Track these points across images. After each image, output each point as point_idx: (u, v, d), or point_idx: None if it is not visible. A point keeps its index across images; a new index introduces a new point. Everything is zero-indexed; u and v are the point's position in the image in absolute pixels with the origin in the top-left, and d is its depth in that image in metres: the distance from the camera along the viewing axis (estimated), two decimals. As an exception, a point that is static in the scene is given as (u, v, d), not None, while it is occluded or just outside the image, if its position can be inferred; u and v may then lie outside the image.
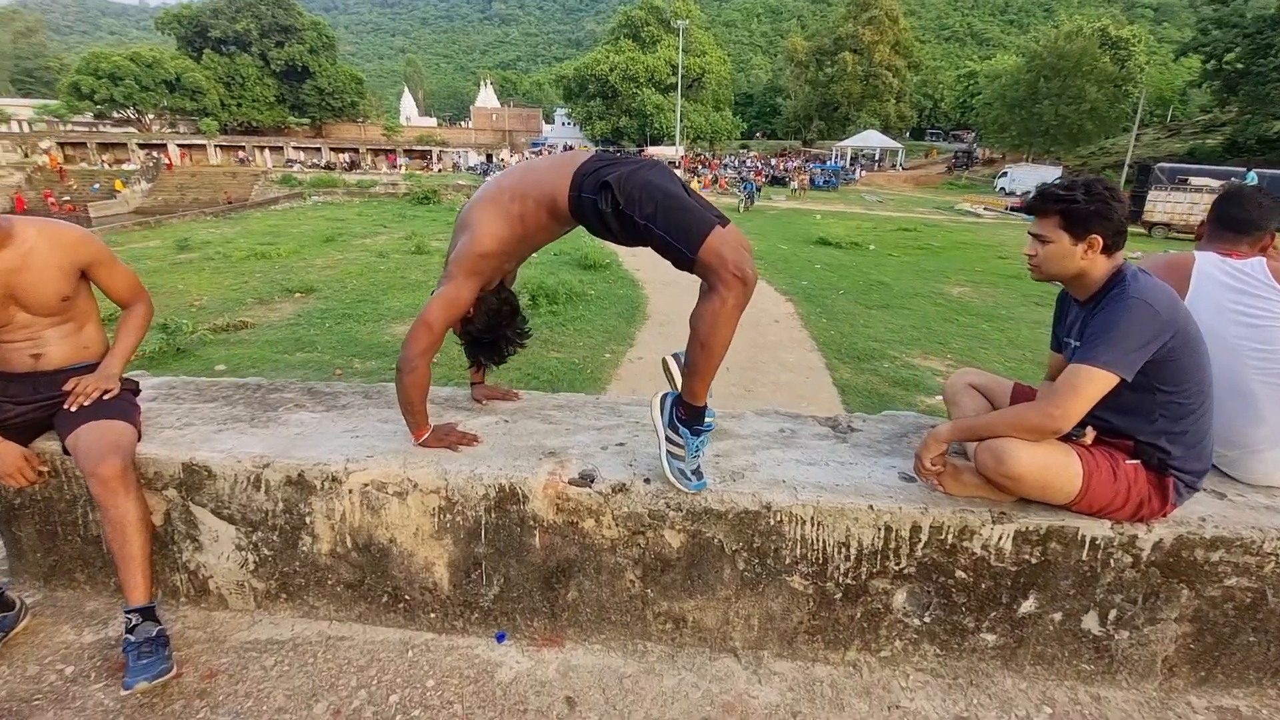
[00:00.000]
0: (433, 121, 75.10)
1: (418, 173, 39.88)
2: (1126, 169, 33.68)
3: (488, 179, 1.75)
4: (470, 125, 69.31)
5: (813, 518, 1.53)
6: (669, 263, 1.53)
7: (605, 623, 1.65)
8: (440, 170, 43.40)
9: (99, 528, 1.73)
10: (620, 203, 1.50)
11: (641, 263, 11.16)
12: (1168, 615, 1.55)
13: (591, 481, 1.59)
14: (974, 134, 53.22)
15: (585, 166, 1.58)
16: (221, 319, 7.97)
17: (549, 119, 72.85)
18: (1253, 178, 20.42)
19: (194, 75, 46.93)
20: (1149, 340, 1.34)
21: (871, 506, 1.52)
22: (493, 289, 1.76)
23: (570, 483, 1.59)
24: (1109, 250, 1.46)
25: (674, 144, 47.32)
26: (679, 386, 1.86)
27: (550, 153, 50.04)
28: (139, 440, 1.69)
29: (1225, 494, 1.63)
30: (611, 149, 54.29)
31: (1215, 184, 20.75)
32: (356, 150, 47.64)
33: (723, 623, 1.63)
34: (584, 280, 10.36)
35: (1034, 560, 1.53)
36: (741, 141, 64.34)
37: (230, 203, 27.65)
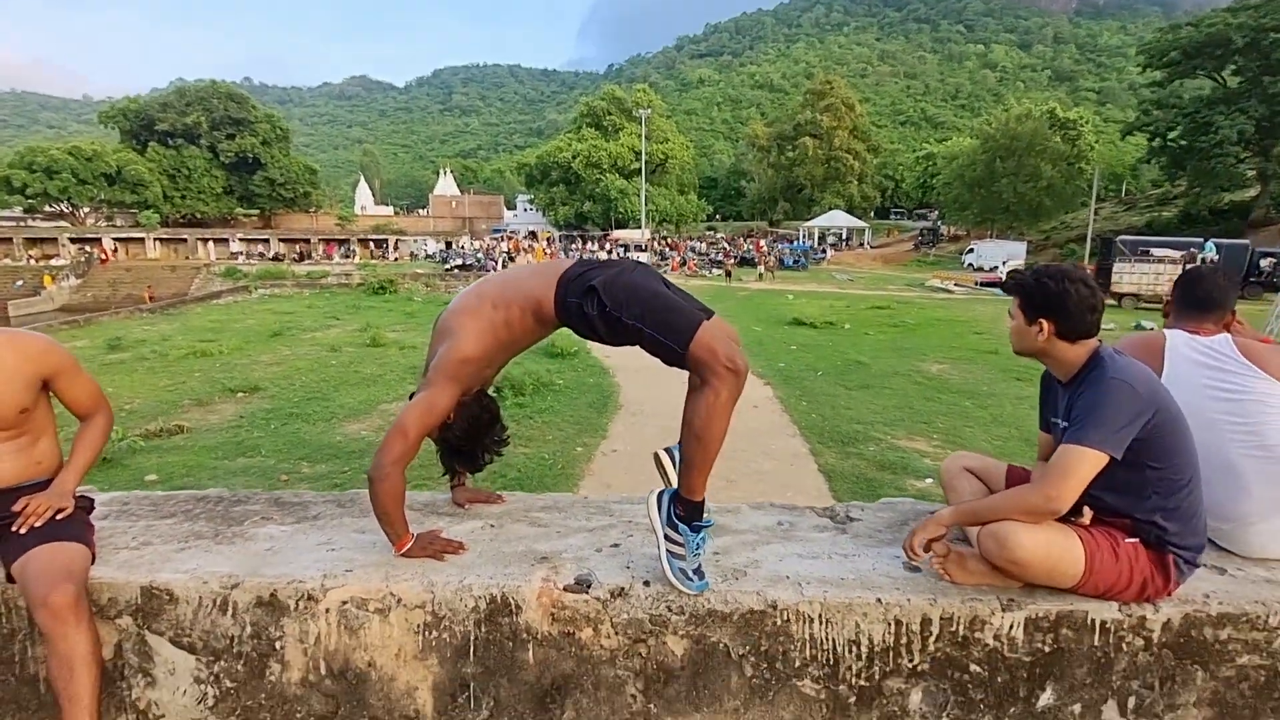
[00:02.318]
0: (389, 210, 77.22)
1: (372, 262, 40.53)
2: (1089, 242, 36.26)
3: (464, 289, 1.87)
4: (429, 213, 71.44)
5: (820, 615, 1.57)
6: (660, 359, 1.64)
7: (606, 745, 1.62)
8: (397, 259, 44.18)
9: (37, 665, 1.65)
10: (607, 304, 1.62)
11: (611, 349, 11.36)
12: (1186, 700, 1.60)
13: (588, 587, 1.61)
14: (937, 212, 57.01)
15: (569, 272, 1.72)
16: (154, 423, 7.79)
17: (510, 205, 75.61)
18: (1211, 248, 22.21)
19: (136, 168, 47.93)
20: (1133, 418, 1.48)
21: (879, 600, 1.57)
22: (473, 395, 1.83)
23: (566, 589, 1.61)
24: (1066, 337, 1.62)
25: (639, 228, 49.36)
26: (674, 482, 1.93)
27: (513, 237, 51.71)
28: (93, 563, 1.66)
29: (1225, 569, 1.73)
30: (575, 233, 56.45)
31: (1176, 254, 22.43)
32: (308, 241, 48.44)
33: (732, 738, 1.61)
34: (551, 369, 10.47)
35: (1047, 649, 1.58)
36: (708, 224, 67.51)
37: (152, 299, 27.36)
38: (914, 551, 1.62)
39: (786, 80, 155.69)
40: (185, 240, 45.55)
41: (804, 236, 51.57)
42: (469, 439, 1.85)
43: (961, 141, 59.40)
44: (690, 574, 1.59)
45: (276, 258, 43.10)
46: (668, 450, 1.98)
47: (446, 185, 76.42)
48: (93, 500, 1.87)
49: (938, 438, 7.65)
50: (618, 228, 53.84)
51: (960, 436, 7.75)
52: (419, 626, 1.61)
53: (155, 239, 44.91)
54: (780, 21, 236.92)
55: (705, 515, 1.61)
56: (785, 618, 1.57)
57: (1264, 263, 24.45)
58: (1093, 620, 1.57)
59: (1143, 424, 1.49)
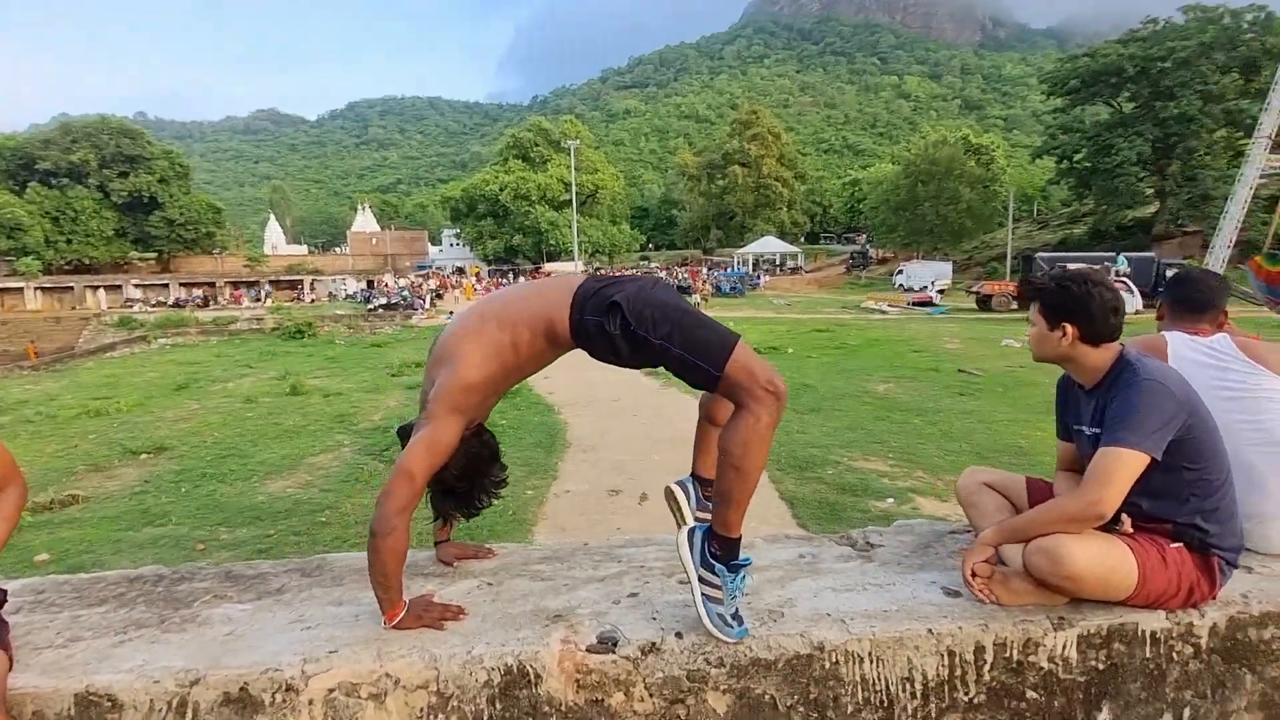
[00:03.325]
0: (303, 249, 74.72)
1: (287, 304, 38.90)
2: (1010, 260, 38.76)
3: (460, 311, 1.74)
4: (347, 251, 69.49)
5: (870, 653, 1.49)
6: (686, 382, 1.55)
7: (644, 826, 1.47)
8: (314, 300, 42.60)
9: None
10: (631, 323, 1.53)
11: (555, 385, 11.25)
12: (1238, 705, 1.60)
13: (614, 645, 1.48)
14: (865, 235, 59.82)
15: (585, 288, 1.62)
16: (43, 495, 7.07)
17: (435, 241, 74.57)
18: (1123, 262, 24.07)
19: (13, 211, 44.59)
20: (1169, 419, 1.50)
21: (930, 630, 1.51)
22: (471, 429, 1.69)
23: (589, 650, 1.47)
24: (1090, 341, 1.64)
25: (572, 259, 49.50)
26: (688, 518, 1.83)
27: (439, 273, 50.76)
28: (10, 669, 1.40)
29: (1251, 567, 1.76)
30: (505, 266, 56.02)
31: (1091, 269, 24.17)
32: (212, 284, 46.18)
33: (783, 801, 1.50)
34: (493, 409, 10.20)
35: (1101, 666, 1.56)
36: (641, 253, 68.45)
37: (36, 355, 25.23)
38: (976, 580, 1.57)
39: (712, 110, 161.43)
40: (72, 288, 42.57)
41: (738, 263, 52.93)
42: (466, 479, 1.70)
43: (884, 168, 62.87)
44: (729, 619, 1.48)
45: (178, 304, 40.79)
46: (680, 483, 1.89)
47: (365, 221, 74.60)
48: (5, 592, 1.60)
49: (893, 457, 7.81)
50: (549, 260, 53.82)
51: (915, 454, 7.93)
52: (422, 710, 1.43)
53: (36, 288, 41.76)
54: (702, 54, 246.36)
55: (743, 553, 1.52)
56: (834, 659, 1.49)
57: (1169, 273, 26.65)
58: (1143, 631, 1.56)
59: (1178, 425, 1.51)
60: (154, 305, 40.48)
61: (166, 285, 45.55)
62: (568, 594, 1.70)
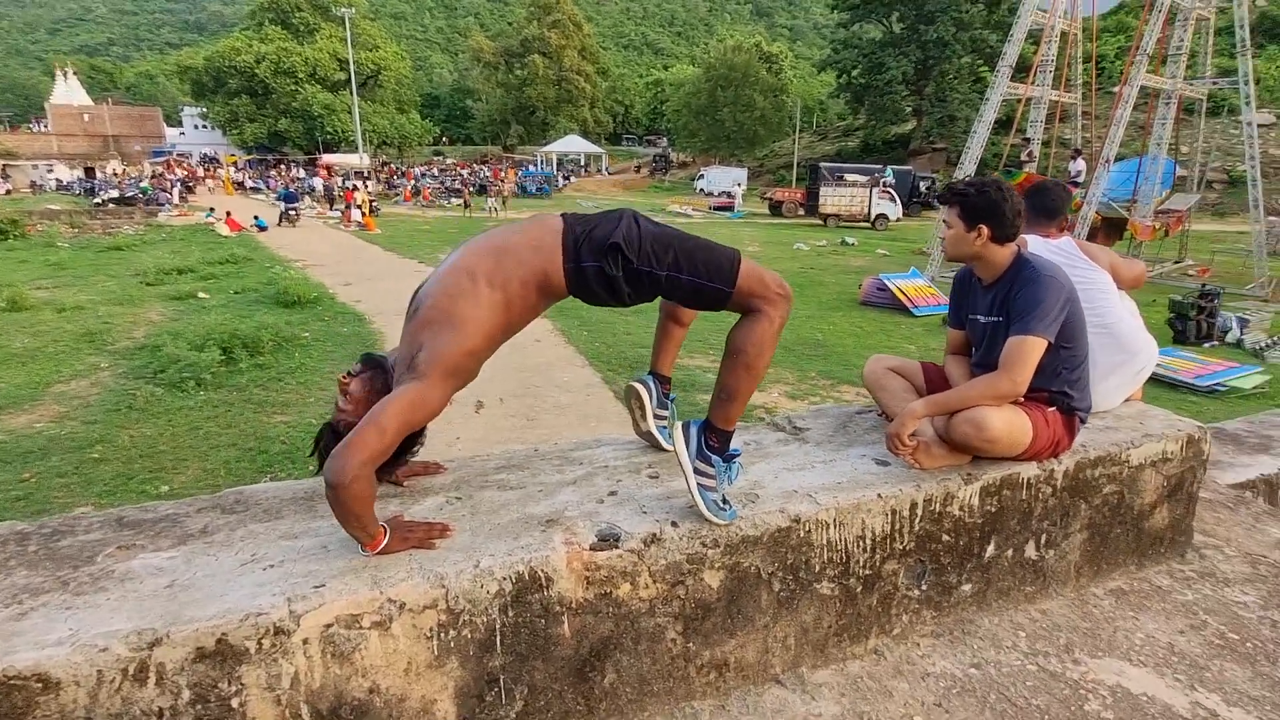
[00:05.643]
0: (-21, 124, 58.50)
1: (-32, 197, 30.49)
2: (796, 168, 42.07)
3: (437, 270, 1.58)
4: (49, 129, 55.66)
5: (835, 519, 1.71)
6: (691, 308, 1.63)
7: (648, 697, 1.60)
8: (10, 192, 33.87)
9: None
10: (634, 261, 1.52)
11: (361, 293, 10.41)
12: (1073, 528, 2.10)
13: (617, 541, 1.52)
14: (666, 139, 60.92)
15: (572, 231, 1.56)
16: None
17: (172, 120, 62.51)
18: (890, 173, 27.31)
19: None
20: (1063, 307, 1.83)
21: (879, 495, 1.76)
22: None
23: (593, 548, 1.50)
24: (999, 240, 1.92)
25: (354, 150, 44.46)
26: (648, 414, 1.90)
27: (184, 161, 42.86)
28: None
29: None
30: (271, 156, 48.79)
31: (863, 180, 27.15)
32: None
33: (763, 652, 1.71)
34: (291, 321, 9.17)
35: (993, 509, 1.94)
36: (434, 147, 63.42)
37: None
38: (903, 442, 1.82)
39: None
40: None
41: (542, 163, 51.35)
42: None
43: (685, 70, 63.56)
44: (721, 504, 1.60)
45: None
46: (640, 381, 1.93)
47: (70, 92, 59.86)
48: None
49: (714, 353, 8.45)
50: (327, 150, 47.79)
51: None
52: (431, 630, 1.38)
53: None
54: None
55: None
56: (807, 528, 1.68)
57: (922, 185, 30.89)
58: (1023, 479, 1.96)
59: (1067, 311, 1.85)
60: None
61: None
62: (546, 500, 1.70)
